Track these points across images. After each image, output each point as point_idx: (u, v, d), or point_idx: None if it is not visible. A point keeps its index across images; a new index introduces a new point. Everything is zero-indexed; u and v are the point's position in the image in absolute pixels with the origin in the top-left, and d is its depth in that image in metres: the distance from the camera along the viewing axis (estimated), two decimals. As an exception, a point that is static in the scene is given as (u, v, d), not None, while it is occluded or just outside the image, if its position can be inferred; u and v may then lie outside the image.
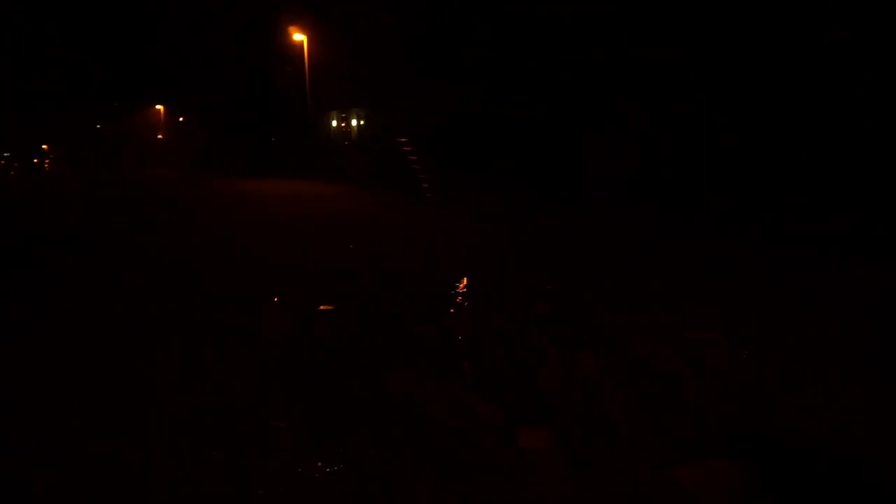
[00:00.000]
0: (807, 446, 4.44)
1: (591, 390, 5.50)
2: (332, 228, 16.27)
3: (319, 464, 4.46)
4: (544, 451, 4.42)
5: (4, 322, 8.50)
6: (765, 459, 4.28)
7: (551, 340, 6.73)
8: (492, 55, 23.22)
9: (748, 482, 4.07)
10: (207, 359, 6.66)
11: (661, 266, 10.50)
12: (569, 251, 12.42)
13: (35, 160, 60.85)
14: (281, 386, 5.92)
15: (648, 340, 6.69)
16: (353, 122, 38.57)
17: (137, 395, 5.76)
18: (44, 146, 64.74)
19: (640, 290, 8.91)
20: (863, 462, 4.24)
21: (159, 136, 59.07)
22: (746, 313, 7.53)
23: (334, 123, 40.23)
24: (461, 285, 9.64)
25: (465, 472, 4.29)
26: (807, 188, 16.42)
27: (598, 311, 7.95)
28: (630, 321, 7.45)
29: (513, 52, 22.90)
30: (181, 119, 55.58)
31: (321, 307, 8.50)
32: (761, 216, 14.55)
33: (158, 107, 57.47)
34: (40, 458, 4.69)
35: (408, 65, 25.99)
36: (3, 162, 58.83)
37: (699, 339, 6.61)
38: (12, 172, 51.80)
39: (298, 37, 30.61)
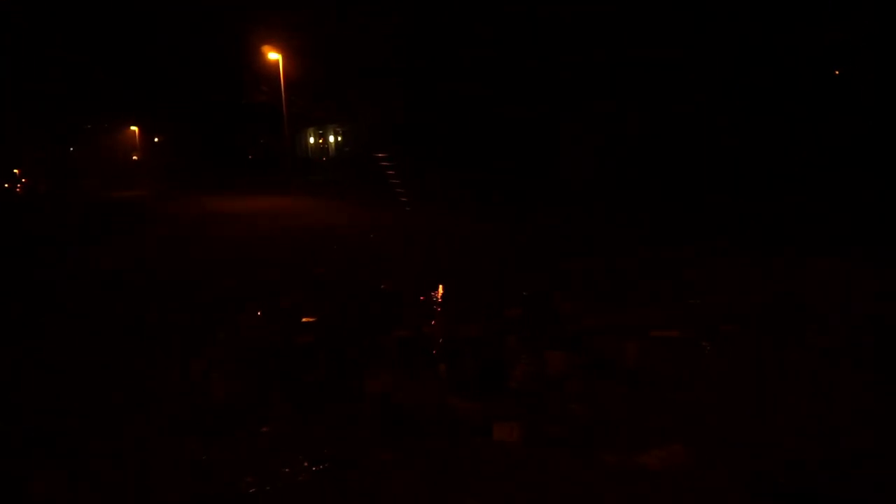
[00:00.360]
0: (806, 446, 4.43)
1: (566, 388, 5.59)
2: (321, 238, 16.25)
3: (318, 461, 4.47)
4: (514, 443, 4.69)
5: (4, 322, 8.51)
6: (762, 460, 4.29)
7: (532, 341, 6.75)
8: (492, 55, 23.20)
9: (711, 465, 4.23)
10: (207, 359, 6.67)
11: (660, 266, 10.50)
12: (567, 251, 12.42)
13: (6, 185, 55.36)
14: (280, 386, 5.93)
15: (640, 340, 6.66)
16: (331, 139, 38.66)
17: (137, 395, 5.77)
18: (15, 170, 59.34)
19: (637, 291, 8.91)
20: (863, 462, 4.24)
21: (134, 157, 58.17)
22: (746, 313, 7.52)
23: (311, 140, 40.27)
24: (441, 291, 9.68)
25: (449, 463, 4.42)
26: (806, 188, 16.44)
27: (588, 311, 7.92)
28: (628, 321, 7.43)
29: (513, 51, 22.88)
30: (156, 140, 54.95)
31: (315, 314, 8.49)
32: (761, 216, 14.55)
33: (133, 128, 56.40)
34: (40, 458, 4.69)
35: (401, 67, 25.94)
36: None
37: (686, 339, 6.63)
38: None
39: (273, 56, 29.80)
